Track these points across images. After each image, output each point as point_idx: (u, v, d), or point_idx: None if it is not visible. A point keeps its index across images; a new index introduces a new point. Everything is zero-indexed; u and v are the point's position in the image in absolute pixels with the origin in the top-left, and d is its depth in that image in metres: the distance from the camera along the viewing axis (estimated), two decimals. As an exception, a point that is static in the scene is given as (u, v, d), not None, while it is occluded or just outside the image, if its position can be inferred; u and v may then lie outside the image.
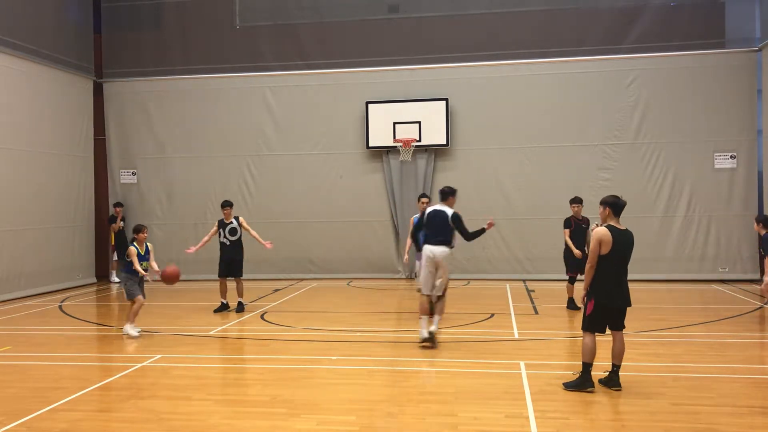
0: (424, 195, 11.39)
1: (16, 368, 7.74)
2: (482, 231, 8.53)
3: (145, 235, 9.50)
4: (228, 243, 11.60)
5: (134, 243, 9.45)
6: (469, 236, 8.46)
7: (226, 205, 11.64)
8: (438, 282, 8.38)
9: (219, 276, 11.71)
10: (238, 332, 9.63)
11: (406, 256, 10.80)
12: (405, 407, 6.00)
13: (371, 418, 5.72)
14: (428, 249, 8.41)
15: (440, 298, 8.48)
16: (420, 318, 8.56)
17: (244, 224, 11.64)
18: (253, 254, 16.13)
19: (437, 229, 8.42)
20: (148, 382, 6.98)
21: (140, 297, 9.37)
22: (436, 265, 8.36)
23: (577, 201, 10.88)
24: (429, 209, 8.68)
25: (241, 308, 11.40)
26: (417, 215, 10.38)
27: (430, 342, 8.29)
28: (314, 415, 5.85)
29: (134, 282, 9.40)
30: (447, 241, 8.46)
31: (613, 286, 6.32)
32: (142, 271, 9.29)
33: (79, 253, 15.79)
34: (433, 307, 8.49)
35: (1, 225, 13.33)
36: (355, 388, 6.64)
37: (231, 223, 11.57)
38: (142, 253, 9.40)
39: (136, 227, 9.59)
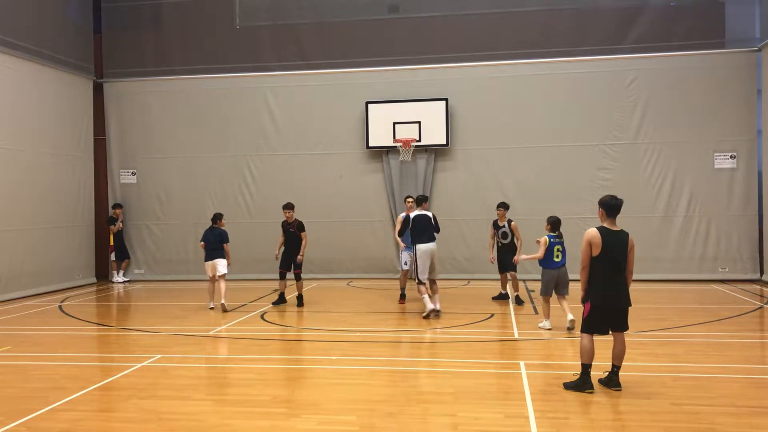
0: (409, 196, 12.23)
1: (16, 368, 7.74)
2: None
3: None
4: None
5: None
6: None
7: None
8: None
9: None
10: (238, 332, 9.63)
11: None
12: (405, 407, 5.99)
13: (371, 418, 5.71)
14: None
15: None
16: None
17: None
18: (253, 254, 16.22)
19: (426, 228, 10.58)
20: (148, 382, 6.97)
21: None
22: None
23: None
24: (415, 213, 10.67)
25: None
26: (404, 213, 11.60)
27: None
28: (314, 415, 5.85)
29: None
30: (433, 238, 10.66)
31: (606, 287, 6.28)
32: None
33: (79, 253, 15.79)
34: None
35: (1, 225, 13.32)
36: (355, 388, 6.63)
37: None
38: None
39: None
